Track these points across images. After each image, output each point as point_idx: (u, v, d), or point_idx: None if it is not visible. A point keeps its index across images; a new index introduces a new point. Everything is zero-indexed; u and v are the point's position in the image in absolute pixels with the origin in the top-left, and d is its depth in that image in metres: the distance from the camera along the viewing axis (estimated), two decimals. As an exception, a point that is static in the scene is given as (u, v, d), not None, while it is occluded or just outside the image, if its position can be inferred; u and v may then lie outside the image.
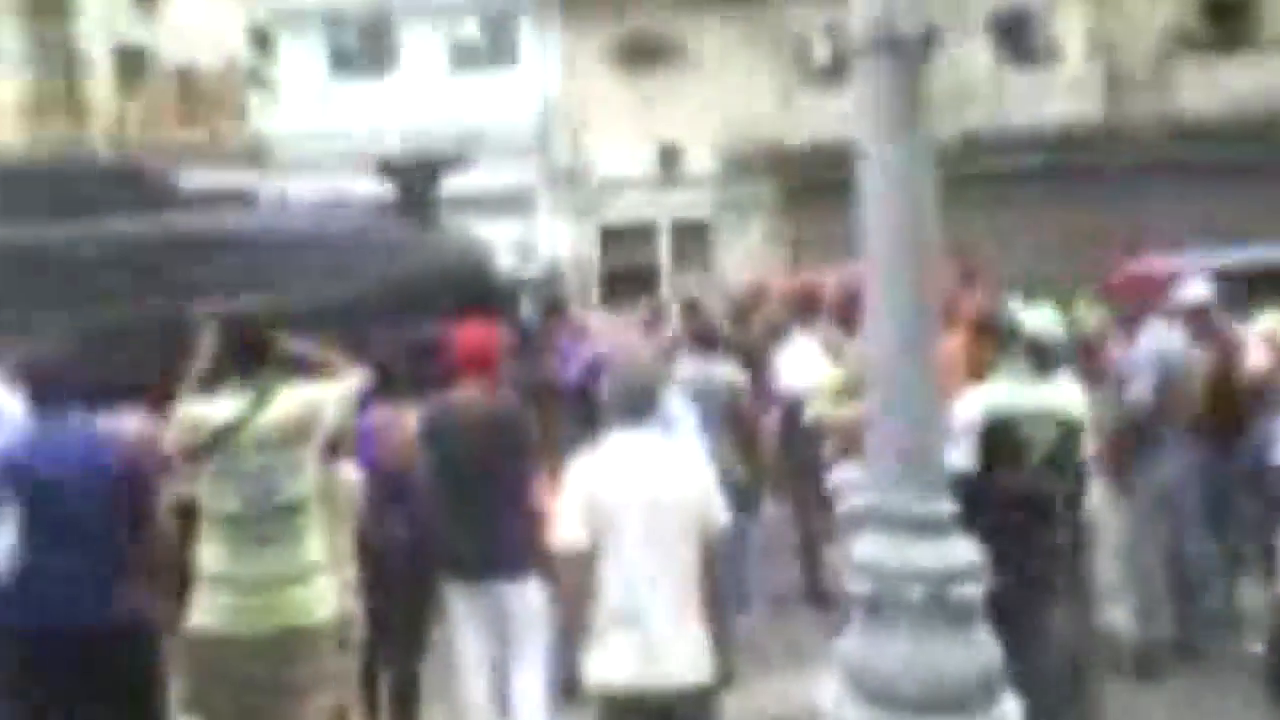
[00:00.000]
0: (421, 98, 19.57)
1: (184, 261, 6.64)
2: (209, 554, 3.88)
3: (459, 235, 8.32)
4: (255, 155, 19.45)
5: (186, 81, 21.87)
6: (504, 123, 19.38)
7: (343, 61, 20.42)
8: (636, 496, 3.49)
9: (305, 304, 6.46)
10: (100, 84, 21.32)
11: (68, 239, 6.70)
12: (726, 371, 6.25)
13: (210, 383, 3.98)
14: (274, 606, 3.81)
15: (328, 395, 4.06)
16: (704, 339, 6.35)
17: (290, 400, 3.95)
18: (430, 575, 4.68)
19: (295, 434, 3.92)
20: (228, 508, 3.86)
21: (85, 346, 4.53)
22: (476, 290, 7.21)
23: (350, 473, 4.49)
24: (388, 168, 8.14)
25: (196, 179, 8.39)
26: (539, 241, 19.45)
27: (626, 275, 18.73)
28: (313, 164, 17.94)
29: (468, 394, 4.69)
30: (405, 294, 6.90)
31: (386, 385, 5.04)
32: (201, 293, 6.32)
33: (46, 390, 4.02)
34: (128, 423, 4.58)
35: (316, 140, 19.15)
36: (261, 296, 6.44)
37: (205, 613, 3.83)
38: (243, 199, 7.59)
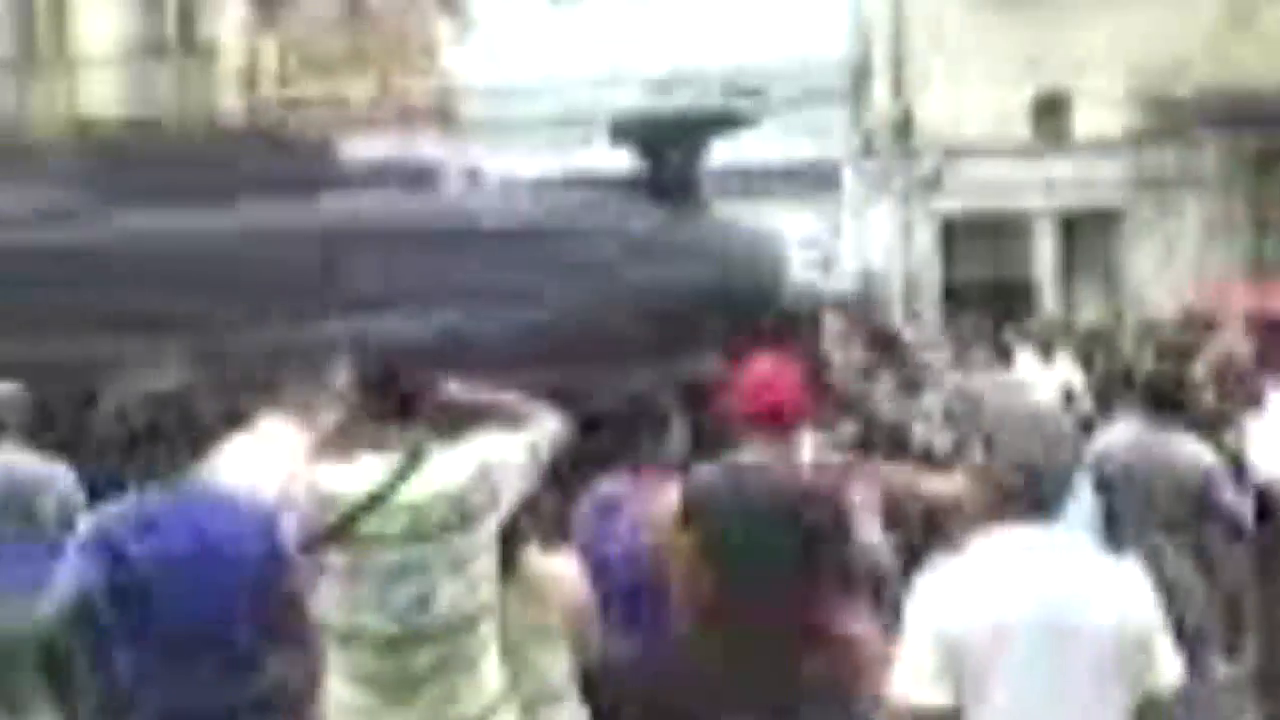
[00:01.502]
0: (677, 32, 20.01)
1: (346, 264, 6.98)
2: (338, 695, 3.98)
3: (735, 229, 8.41)
4: (443, 115, 20.34)
5: (349, 13, 23.09)
6: (797, 64, 19.54)
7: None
8: (1022, 625, 3.40)
9: (508, 325, 6.70)
10: (228, 18, 22.78)
11: (191, 234, 7.19)
12: (1187, 445, 6.16)
13: (345, 439, 4.11)
14: None
15: (508, 454, 4.14)
16: (1158, 394, 6.26)
17: (453, 464, 4.03)
18: None
19: (460, 514, 3.99)
20: (357, 625, 3.99)
21: (213, 379, 4.80)
22: (760, 308, 7.26)
23: (567, 567, 4.58)
24: (629, 131, 8.33)
25: (363, 149, 8.84)
26: (845, 238, 19.43)
27: (983, 291, 18.45)
28: (522, 126, 18.60)
29: (756, 460, 4.73)
30: (655, 313, 7.01)
31: (628, 443, 5.15)
32: (368, 306, 6.70)
33: (160, 438, 4.26)
34: (268, 484, 4.80)
35: (527, 93, 19.85)
36: (445, 313, 6.78)
37: None
38: (426, 177, 7.93)
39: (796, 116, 18.21)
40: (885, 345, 8.32)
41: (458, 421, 4.13)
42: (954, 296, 19.00)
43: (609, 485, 5.22)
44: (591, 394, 4.97)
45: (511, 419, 4.24)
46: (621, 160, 8.35)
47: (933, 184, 19.61)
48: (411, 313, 6.40)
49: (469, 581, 3.99)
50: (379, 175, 7.90)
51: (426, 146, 17.00)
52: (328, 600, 3.97)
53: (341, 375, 4.16)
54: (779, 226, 10.26)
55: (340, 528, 3.89)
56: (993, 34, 19.20)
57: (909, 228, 19.78)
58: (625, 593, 4.93)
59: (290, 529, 4.08)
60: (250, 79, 21.70)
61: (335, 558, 3.92)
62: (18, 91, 21.37)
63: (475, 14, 22.22)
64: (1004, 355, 10.68)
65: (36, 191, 7.62)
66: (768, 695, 4.61)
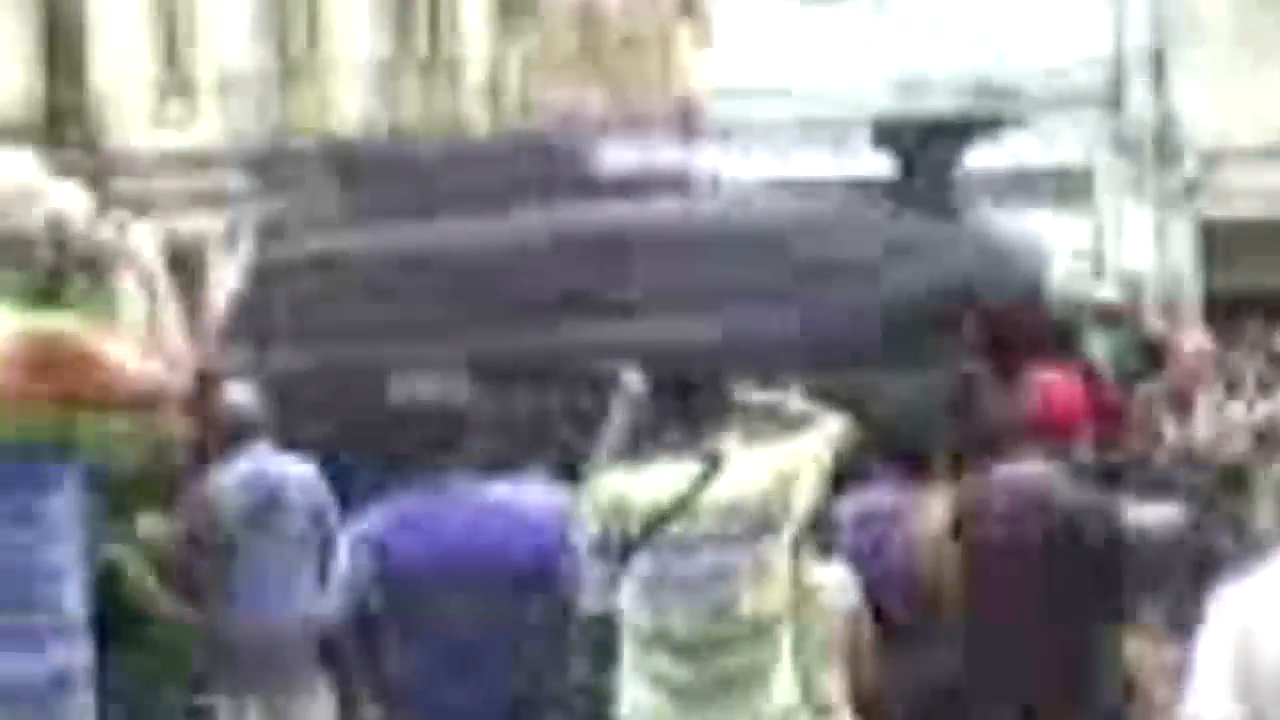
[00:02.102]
0: (925, 33, 19.78)
1: (605, 272, 7.05)
2: (635, 699, 4.01)
3: (995, 234, 8.28)
4: (685, 119, 20.42)
5: (588, 20, 23.36)
6: (1051, 65, 19.16)
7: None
8: None
9: (774, 331, 6.69)
10: (473, 31, 23.22)
11: (450, 243, 7.35)
12: None
13: (635, 446, 4.14)
14: None
15: (802, 461, 4.12)
16: None
17: (752, 470, 4.03)
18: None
19: (761, 520, 3.99)
20: (662, 629, 3.98)
21: (477, 384, 4.87)
22: (1022, 316, 7.13)
23: (838, 574, 4.53)
24: (890, 135, 8.28)
25: (617, 157, 8.91)
26: (1103, 246, 18.98)
27: (1248, 301, 17.81)
28: (766, 129, 18.55)
29: (1034, 471, 4.62)
30: (920, 319, 6.94)
31: (898, 452, 5.09)
32: (627, 317, 6.76)
33: (427, 444, 4.35)
34: (534, 493, 4.85)
35: (771, 96, 19.77)
36: (714, 320, 6.80)
37: None
38: (684, 184, 7.97)
39: (1050, 119, 17.82)
40: (1152, 356, 8.06)
41: (748, 426, 4.14)
42: (1214, 308, 18.39)
43: (872, 494, 5.15)
44: (863, 398, 4.91)
45: (799, 423, 4.22)
46: (874, 163, 8.30)
47: (1194, 189, 19.05)
48: (691, 317, 6.44)
49: (768, 588, 3.99)
50: (637, 182, 7.97)
51: (669, 152, 17.10)
52: (631, 605, 3.99)
53: (624, 385, 4.20)
54: (1039, 231, 10.06)
55: (645, 534, 3.89)
56: (1260, 27, 18.55)
57: (1167, 235, 19.26)
58: (889, 605, 4.86)
59: (569, 532, 4.12)
60: (494, 89, 22.09)
61: (639, 563, 3.92)
62: (270, 102, 22.10)
63: (717, 16, 22.24)
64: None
65: (306, 200, 7.87)
66: (1044, 702, 4.51)
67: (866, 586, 4.69)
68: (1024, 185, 15.62)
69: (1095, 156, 19.50)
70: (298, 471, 6.47)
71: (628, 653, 4.03)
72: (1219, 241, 19.10)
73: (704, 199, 8.21)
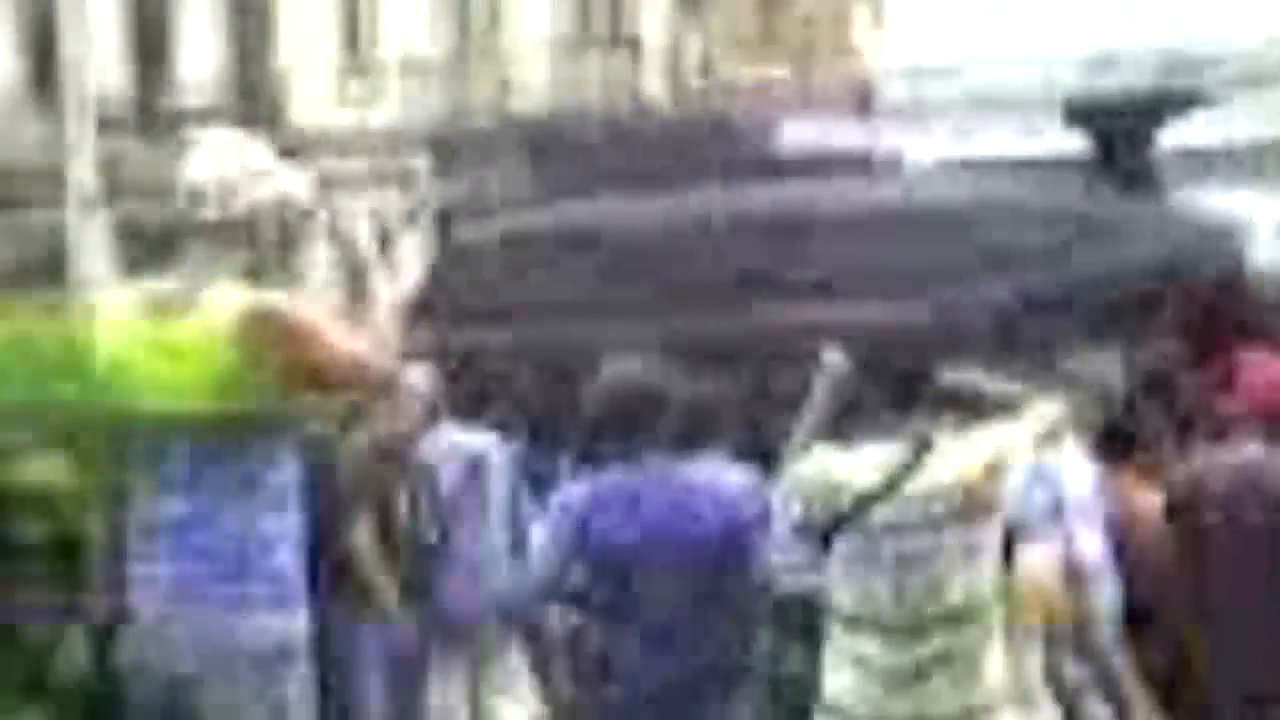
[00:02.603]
0: (1107, 9, 19.43)
1: (794, 253, 7.05)
2: (839, 681, 4.00)
3: (1194, 213, 8.12)
4: (861, 98, 20.29)
5: (767, 1, 23.26)
6: (1237, 42, 18.73)
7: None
8: None
9: (969, 314, 6.62)
10: (653, 10, 23.23)
11: (642, 222, 7.40)
12: None
13: (836, 426, 4.13)
14: None
15: (1016, 448, 4.09)
16: None
17: (963, 454, 4.01)
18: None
19: (971, 505, 3.98)
20: (870, 611, 3.98)
21: (673, 364, 4.92)
22: (1224, 296, 7.00)
23: (1041, 556, 4.48)
24: (1083, 113, 8.15)
25: (799, 137, 8.92)
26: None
27: None
28: (944, 108, 18.36)
29: (1254, 455, 4.53)
30: (1119, 301, 6.85)
31: (1097, 435, 5.02)
32: (819, 298, 6.75)
33: (628, 424, 4.40)
34: (730, 473, 4.88)
35: (949, 74, 19.57)
36: (901, 304, 6.76)
37: None
38: (866, 163, 7.94)
39: (1242, 96, 17.40)
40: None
41: (957, 409, 4.11)
42: None
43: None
44: (1062, 382, 4.85)
45: (1010, 407, 4.19)
46: (1061, 141, 8.18)
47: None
48: (892, 299, 6.42)
49: (978, 573, 3.97)
50: (821, 162, 7.97)
51: (851, 132, 17.00)
52: (836, 586, 4.01)
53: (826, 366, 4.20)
54: (1237, 210, 9.84)
55: (854, 514, 3.93)
56: None
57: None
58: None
59: (765, 512, 4.14)
60: (673, 68, 22.12)
61: (846, 545, 3.95)
62: (451, 82, 22.37)
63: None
64: None
65: (493, 179, 8.00)
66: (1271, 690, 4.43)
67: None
68: (1219, 163, 15.29)
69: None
70: (494, 445, 6.56)
71: (831, 634, 4.03)
72: None
73: (890, 179, 8.15)
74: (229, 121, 23.16)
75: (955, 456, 3.97)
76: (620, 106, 20.27)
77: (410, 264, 21.11)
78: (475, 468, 6.48)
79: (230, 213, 3.85)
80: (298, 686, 3.79)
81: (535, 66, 21.90)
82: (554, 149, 8.52)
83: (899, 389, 4.09)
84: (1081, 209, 7.37)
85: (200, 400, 3.69)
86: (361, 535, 5.71)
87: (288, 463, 3.81)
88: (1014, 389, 4.26)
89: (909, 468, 3.94)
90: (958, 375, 4.25)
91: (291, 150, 22.64)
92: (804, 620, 4.27)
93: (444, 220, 19.90)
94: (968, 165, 9.34)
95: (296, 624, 3.81)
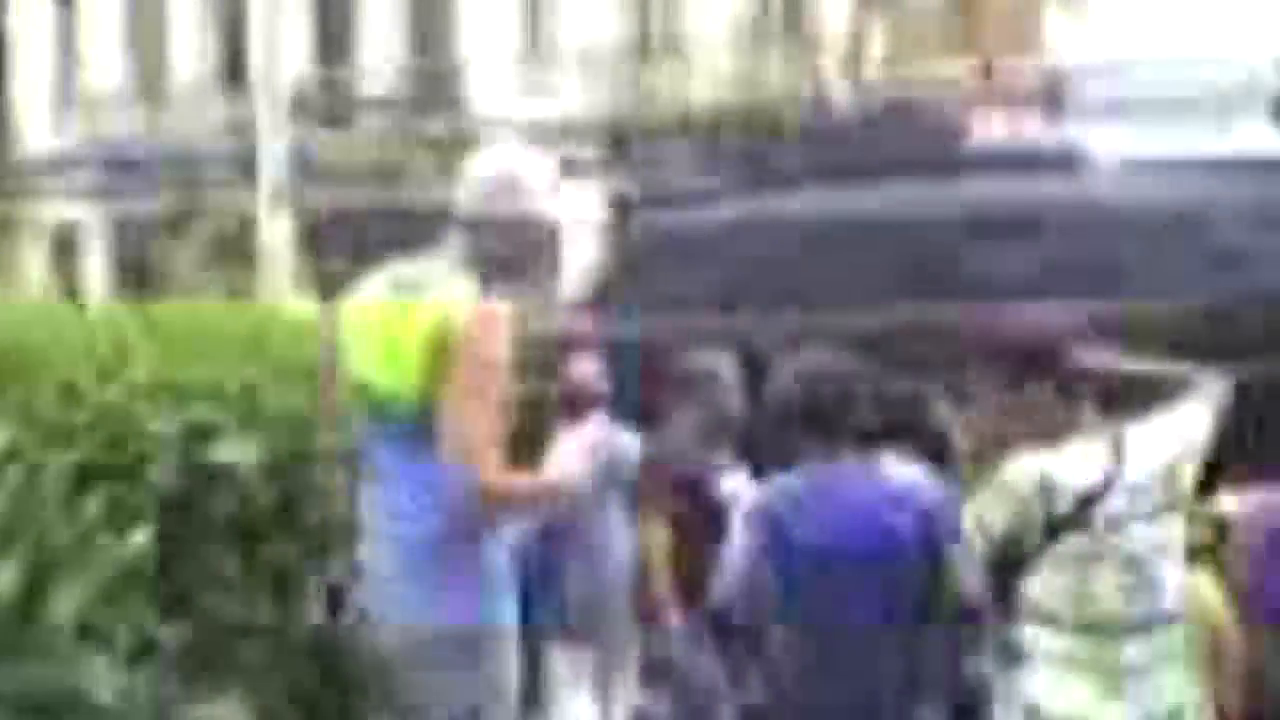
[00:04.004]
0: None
1: (990, 249, 6.96)
2: (1050, 683, 3.92)
3: None
4: (1051, 95, 19.96)
5: (954, -9, 23.02)
6: None
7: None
8: None
9: (1170, 311, 6.50)
10: (833, 2, 23.13)
11: (849, 214, 7.37)
12: None
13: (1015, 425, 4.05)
14: None
15: (1195, 430, 3.99)
16: None
17: (1155, 442, 3.92)
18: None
19: (1174, 494, 3.91)
20: (1096, 612, 3.89)
21: (868, 360, 4.86)
22: None
23: (1208, 588, 4.37)
24: (1293, 109, 7.91)
25: (976, 131, 8.78)
26: None
27: None
28: (1140, 106, 18.02)
29: None
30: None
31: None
32: (1012, 294, 6.63)
33: (824, 420, 4.35)
34: (919, 474, 4.81)
35: (1146, 73, 19.22)
36: (1099, 300, 6.62)
37: None
38: (1066, 161, 7.76)
39: None
40: None
41: (1132, 397, 4.03)
42: None
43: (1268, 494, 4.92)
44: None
45: (1181, 390, 4.09)
46: (1263, 139, 7.94)
47: None
48: (1094, 299, 6.32)
49: (1183, 569, 3.89)
50: (1014, 158, 7.84)
51: (1040, 127, 16.74)
52: (1053, 588, 3.92)
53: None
54: None
55: (1076, 513, 3.84)
56: None
57: None
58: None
59: (955, 514, 4.08)
60: (854, 62, 21.98)
61: (1067, 546, 3.87)
62: (630, 74, 22.45)
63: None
64: None
65: (676, 170, 7.99)
66: None
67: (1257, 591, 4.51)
68: None
69: None
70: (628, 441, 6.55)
71: (1042, 635, 3.95)
72: None
73: (1094, 176, 7.98)
74: (404, 110, 23.59)
75: (1150, 446, 3.90)
76: (800, 99, 20.20)
77: (587, 250, 21.30)
78: (620, 458, 6.46)
79: (497, 214, 3.96)
80: (505, 671, 3.94)
81: (714, 58, 21.90)
82: (736, 141, 8.49)
83: (1100, 387, 4.02)
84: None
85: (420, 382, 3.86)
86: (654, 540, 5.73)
87: None
88: (1184, 370, 4.17)
89: (1120, 461, 3.85)
90: (1116, 359, 4.17)
91: (470, 139, 23.00)
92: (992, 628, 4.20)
93: (620, 209, 20.02)
94: (1170, 163, 9.10)
95: (504, 610, 3.99)
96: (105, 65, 28.43)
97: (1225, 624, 4.49)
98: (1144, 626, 3.86)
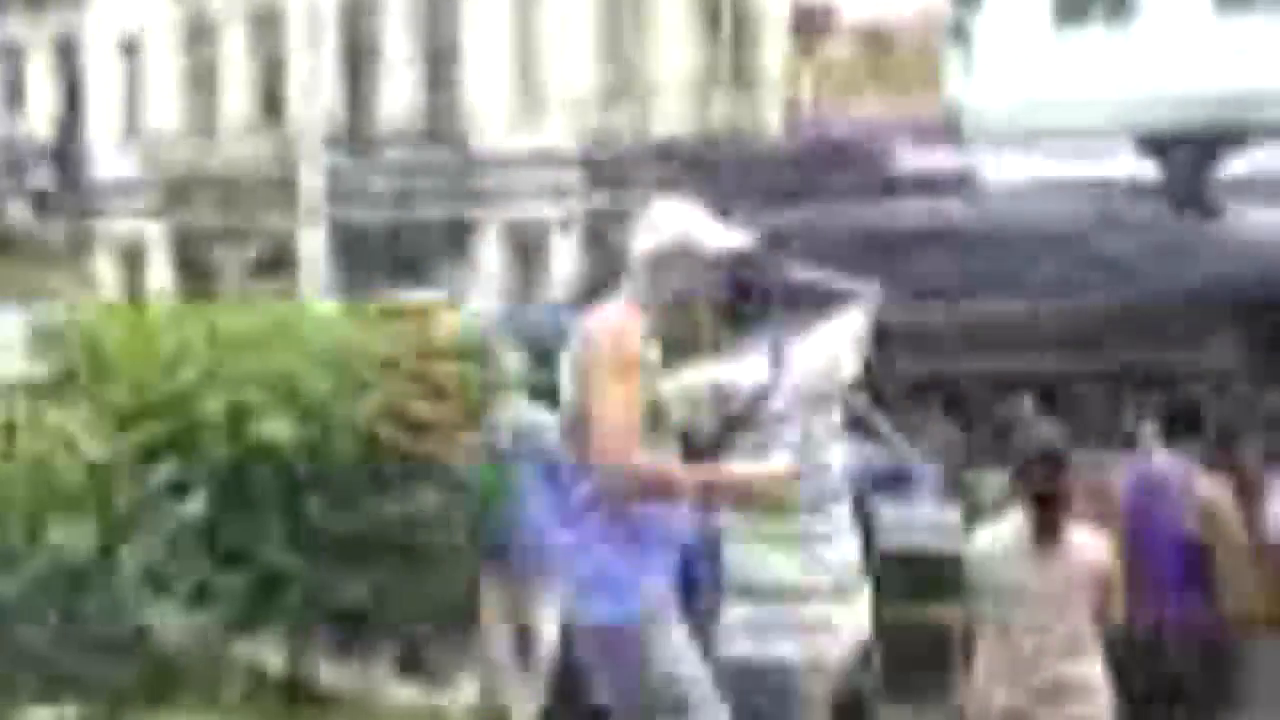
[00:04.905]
0: (1175, 53, 18.86)
1: (902, 259, 6.94)
2: (740, 552, 3.91)
3: (1257, 233, 7.85)
4: (952, 128, 19.97)
5: (874, 40, 22.97)
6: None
7: (1072, 9, 20.27)
8: None
9: (1051, 314, 6.50)
10: (771, 48, 23.07)
11: (767, 229, 7.34)
12: None
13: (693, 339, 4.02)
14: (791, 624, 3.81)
15: (844, 342, 3.97)
16: None
17: (809, 352, 3.92)
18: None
19: (820, 394, 3.89)
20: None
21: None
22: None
23: (1094, 538, 4.36)
24: (1152, 146, 7.94)
25: (905, 159, 8.77)
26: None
27: None
28: (1025, 138, 18.01)
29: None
30: (1183, 309, 6.65)
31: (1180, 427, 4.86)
32: (921, 297, 6.64)
33: None
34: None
35: (1034, 109, 19.18)
36: (993, 304, 6.65)
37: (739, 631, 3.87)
38: (963, 183, 7.79)
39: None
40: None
41: (796, 306, 3.97)
42: None
43: (1155, 462, 4.92)
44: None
45: (838, 303, 4.01)
46: (1131, 167, 7.97)
47: None
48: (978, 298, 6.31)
49: (827, 462, 3.86)
50: (924, 182, 7.85)
51: (942, 156, 16.74)
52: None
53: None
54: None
55: (747, 415, 3.82)
56: None
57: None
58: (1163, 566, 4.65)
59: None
60: (792, 102, 21.97)
61: (743, 440, 3.84)
62: (605, 112, 22.41)
63: (976, 41, 21.71)
64: None
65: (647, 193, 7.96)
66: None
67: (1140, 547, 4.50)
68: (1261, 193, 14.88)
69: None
70: None
71: (734, 520, 3.90)
72: None
73: (998, 199, 7.96)
74: (414, 144, 23.50)
75: (812, 349, 3.90)
76: (746, 134, 20.21)
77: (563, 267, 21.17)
78: None
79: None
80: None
81: (672, 100, 21.90)
82: (695, 169, 8.45)
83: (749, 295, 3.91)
84: (1162, 226, 7.18)
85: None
86: None
87: None
88: (841, 280, 4.10)
89: (778, 366, 3.84)
90: (801, 272, 4.09)
91: (472, 169, 22.94)
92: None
93: (596, 229, 19.90)
94: (1049, 186, 9.11)
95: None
96: (164, 105, 28.26)
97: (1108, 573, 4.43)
98: (817, 503, 3.83)
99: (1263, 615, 4.58)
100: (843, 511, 3.89)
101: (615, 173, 20.50)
